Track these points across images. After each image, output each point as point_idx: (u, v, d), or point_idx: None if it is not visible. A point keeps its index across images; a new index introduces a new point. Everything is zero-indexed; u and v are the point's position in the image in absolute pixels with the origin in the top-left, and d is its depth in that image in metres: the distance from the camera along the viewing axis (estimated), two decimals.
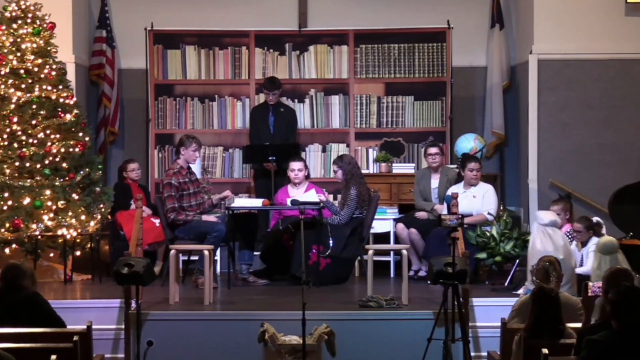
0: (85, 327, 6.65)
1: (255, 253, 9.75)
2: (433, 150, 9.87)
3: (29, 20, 9.48)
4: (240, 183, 11.00)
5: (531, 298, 6.10)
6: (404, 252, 8.40)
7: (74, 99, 9.71)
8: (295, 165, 9.60)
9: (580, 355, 5.04)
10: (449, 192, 9.18)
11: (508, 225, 8.90)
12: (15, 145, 9.25)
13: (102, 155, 10.74)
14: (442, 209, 9.48)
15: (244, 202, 9.40)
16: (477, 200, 9.39)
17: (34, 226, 9.09)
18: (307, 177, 9.73)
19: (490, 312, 7.96)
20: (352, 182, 9.34)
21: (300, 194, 9.41)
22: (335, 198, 9.98)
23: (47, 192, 9.19)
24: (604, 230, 8.72)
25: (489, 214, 9.30)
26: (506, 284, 8.75)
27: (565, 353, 5.68)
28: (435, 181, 9.84)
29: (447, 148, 10.77)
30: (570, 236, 8.56)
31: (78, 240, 9.29)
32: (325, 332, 7.31)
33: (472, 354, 7.58)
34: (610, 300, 5.02)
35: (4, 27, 9.45)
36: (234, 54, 11.06)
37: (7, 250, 9.25)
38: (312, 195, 9.29)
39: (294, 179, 9.60)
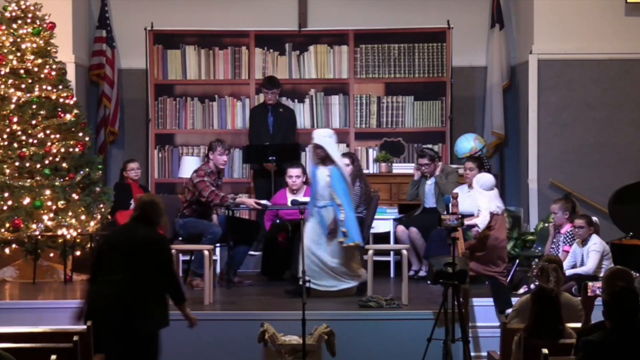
0: (85, 327, 6.65)
1: (255, 253, 9.76)
2: (422, 160, 9.79)
3: (29, 20, 9.49)
4: (240, 183, 11.00)
5: (531, 298, 6.10)
6: (404, 252, 8.40)
7: (74, 99, 9.71)
8: (293, 171, 9.59)
9: (577, 356, 5.06)
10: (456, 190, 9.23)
11: (508, 225, 8.90)
12: (15, 145, 9.25)
13: (102, 155, 10.74)
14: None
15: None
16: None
17: (34, 226, 9.09)
18: (306, 182, 9.73)
19: (490, 312, 7.96)
20: (358, 179, 9.32)
21: (300, 196, 9.42)
22: None
23: (47, 192, 9.19)
24: (600, 232, 8.77)
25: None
26: (506, 284, 8.75)
27: (565, 353, 5.68)
28: (430, 183, 9.80)
29: (447, 148, 10.77)
30: (571, 235, 8.56)
31: (78, 240, 9.30)
32: (325, 332, 7.31)
33: (472, 354, 7.58)
34: (604, 300, 5.06)
35: (4, 27, 9.46)
36: (234, 54, 11.06)
37: (7, 250, 9.26)
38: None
39: (291, 185, 9.58)
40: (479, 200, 8.61)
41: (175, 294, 6.44)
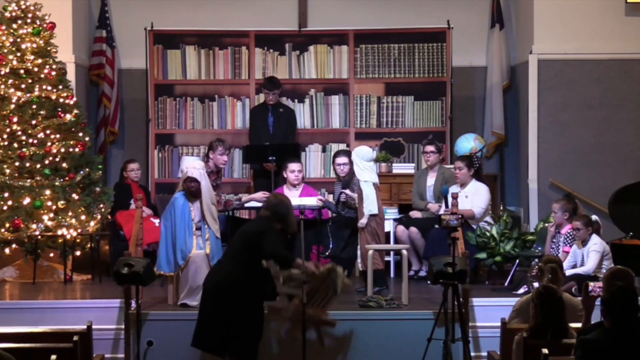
0: (85, 327, 6.66)
1: None
2: (428, 148, 9.88)
3: (29, 20, 9.49)
4: (240, 183, 11.00)
5: (536, 297, 6.10)
6: (404, 252, 8.40)
7: (74, 99, 9.72)
8: (295, 166, 9.62)
9: (575, 355, 5.06)
10: (450, 189, 9.21)
11: (508, 225, 8.91)
12: (15, 145, 9.26)
13: (102, 155, 10.74)
14: (435, 208, 9.50)
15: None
16: (468, 200, 9.34)
17: (34, 226, 9.09)
18: (302, 179, 9.74)
19: (490, 312, 7.96)
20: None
21: (296, 195, 9.41)
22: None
23: (47, 192, 9.20)
24: (601, 230, 8.76)
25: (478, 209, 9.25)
26: (506, 284, 8.76)
27: (566, 353, 5.68)
28: (431, 179, 9.84)
29: (447, 148, 10.77)
30: (571, 236, 8.55)
31: (78, 240, 9.30)
32: (329, 269, 7.32)
33: (472, 354, 7.59)
34: (603, 299, 5.07)
35: (4, 27, 9.46)
36: (234, 54, 11.06)
37: (7, 250, 9.26)
38: (312, 201, 9.25)
39: (293, 180, 9.59)
40: (357, 173, 8.61)
41: (281, 262, 7.14)
